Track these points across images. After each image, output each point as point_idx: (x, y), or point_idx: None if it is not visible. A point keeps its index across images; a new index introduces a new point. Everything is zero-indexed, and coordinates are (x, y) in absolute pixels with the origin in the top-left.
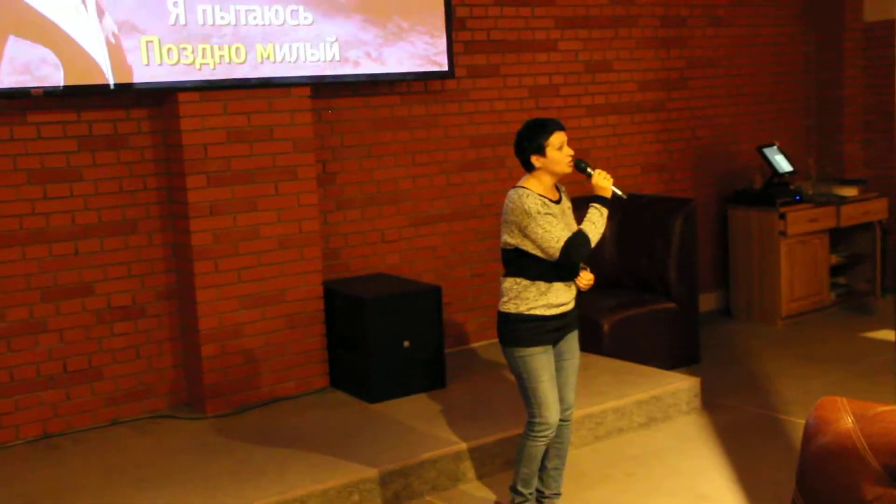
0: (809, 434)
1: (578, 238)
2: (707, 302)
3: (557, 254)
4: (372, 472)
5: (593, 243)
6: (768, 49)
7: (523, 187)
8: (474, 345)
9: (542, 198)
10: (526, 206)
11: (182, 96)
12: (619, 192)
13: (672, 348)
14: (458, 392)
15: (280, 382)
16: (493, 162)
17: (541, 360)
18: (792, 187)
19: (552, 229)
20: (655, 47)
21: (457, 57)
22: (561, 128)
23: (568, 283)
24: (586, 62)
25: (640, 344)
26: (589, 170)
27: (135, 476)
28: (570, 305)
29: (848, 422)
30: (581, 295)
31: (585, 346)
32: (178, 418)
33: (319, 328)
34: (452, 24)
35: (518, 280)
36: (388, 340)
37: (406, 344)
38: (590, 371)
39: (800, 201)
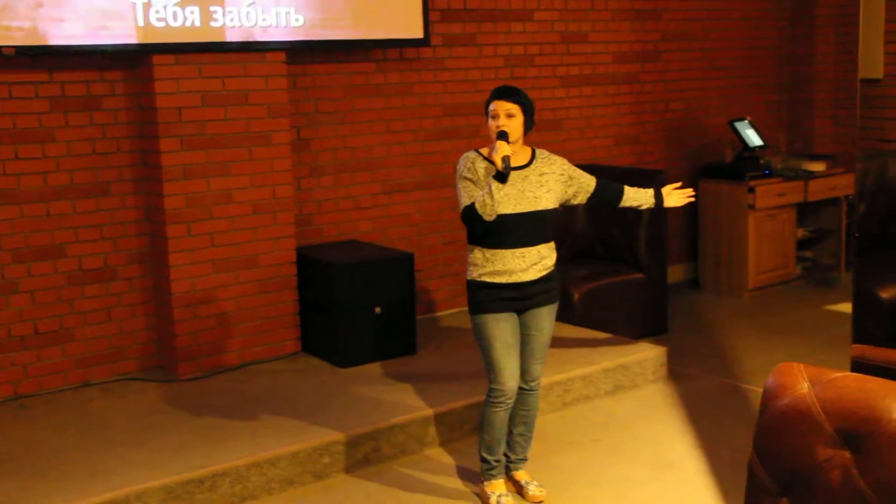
0: (767, 398)
1: (469, 208)
2: (676, 273)
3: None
4: (341, 436)
5: (485, 216)
6: (742, 24)
7: (474, 149)
8: (445, 312)
9: (484, 161)
10: (458, 166)
11: (157, 59)
12: (502, 168)
13: (640, 318)
14: (428, 358)
15: (252, 346)
16: (467, 131)
17: (492, 328)
18: (762, 161)
19: (465, 193)
20: (631, 19)
21: (433, 25)
22: (497, 97)
23: (520, 252)
24: (562, 33)
25: (609, 313)
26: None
27: (106, 437)
28: (528, 276)
29: (804, 387)
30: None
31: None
32: (149, 381)
33: (292, 293)
34: None
35: (470, 246)
36: (360, 306)
37: (377, 310)
38: (559, 339)
39: (769, 175)
